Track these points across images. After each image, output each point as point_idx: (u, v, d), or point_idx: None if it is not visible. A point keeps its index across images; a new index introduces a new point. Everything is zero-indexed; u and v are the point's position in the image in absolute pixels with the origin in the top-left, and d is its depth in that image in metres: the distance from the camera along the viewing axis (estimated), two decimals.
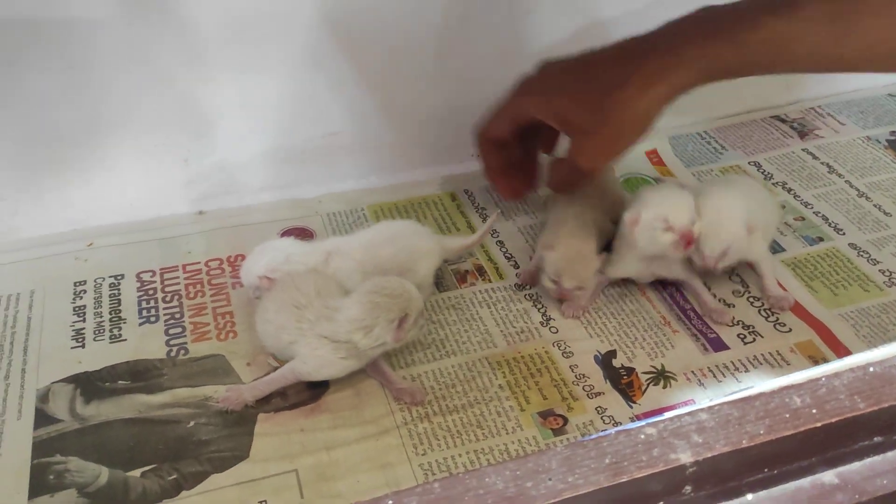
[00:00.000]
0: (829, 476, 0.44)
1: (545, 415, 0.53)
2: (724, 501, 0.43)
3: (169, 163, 0.69)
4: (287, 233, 0.69)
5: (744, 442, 0.41)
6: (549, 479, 0.39)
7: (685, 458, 0.41)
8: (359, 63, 0.70)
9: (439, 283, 0.64)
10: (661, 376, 0.56)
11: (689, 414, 0.43)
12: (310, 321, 0.52)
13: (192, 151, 0.69)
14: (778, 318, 0.61)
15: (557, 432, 0.52)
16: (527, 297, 0.63)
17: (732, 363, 0.57)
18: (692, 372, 0.56)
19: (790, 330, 0.60)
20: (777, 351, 0.58)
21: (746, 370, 0.57)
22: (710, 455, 0.41)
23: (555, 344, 0.59)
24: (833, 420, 0.43)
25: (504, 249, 0.68)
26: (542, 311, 0.62)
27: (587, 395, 0.55)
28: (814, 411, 0.43)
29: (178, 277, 0.65)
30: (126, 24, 0.61)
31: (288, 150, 0.73)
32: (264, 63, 0.67)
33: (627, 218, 0.59)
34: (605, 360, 0.58)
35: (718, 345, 0.59)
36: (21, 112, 0.63)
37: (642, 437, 0.41)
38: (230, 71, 0.66)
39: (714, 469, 0.41)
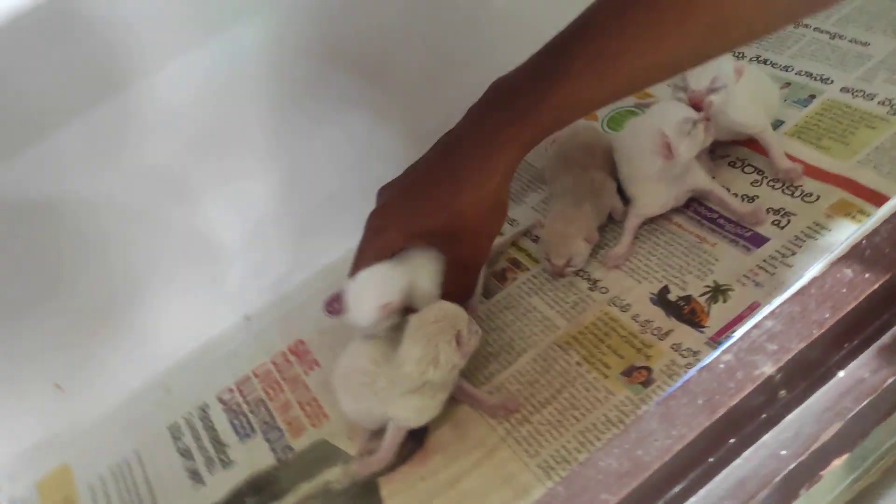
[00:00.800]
0: None
1: (628, 372, 0.56)
2: (819, 388, 0.45)
3: (201, 290, 0.73)
4: (332, 300, 0.73)
5: (814, 332, 0.44)
6: (656, 440, 0.42)
7: (768, 369, 0.43)
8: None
9: (485, 291, 0.67)
10: (718, 292, 0.58)
11: (755, 327, 0.45)
12: (384, 388, 0.55)
13: (215, 270, 0.73)
14: (803, 191, 0.62)
15: (646, 383, 0.55)
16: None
17: (778, 252, 0.59)
18: (744, 276, 0.58)
19: (818, 197, 0.61)
20: (814, 222, 0.59)
21: (793, 253, 0.58)
22: (789, 357, 0.43)
23: (610, 303, 0.61)
24: (888, 276, 0.45)
25: (528, 233, 0.71)
26: (586, 277, 0.64)
27: (658, 338, 0.57)
28: (867, 276, 0.45)
29: (253, 385, 0.69)
30: (126, 196, 0.66)
31: (300, 228, 0.76)
32: (241, 169, 0.71)
33: (660, 148, 0.60)
34: (662, 299, 0.60)
35: (758, 240, 0.60)
36: (55, 294, 0.67)
37: (722, 366, 0.44)
38: (213, 190, 0.70)
39: (798, 366, 0.44)
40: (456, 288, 0.60)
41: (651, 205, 0.64)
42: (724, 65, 0.62)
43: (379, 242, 0.59)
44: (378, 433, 0.58)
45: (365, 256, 0.59)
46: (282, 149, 0.73)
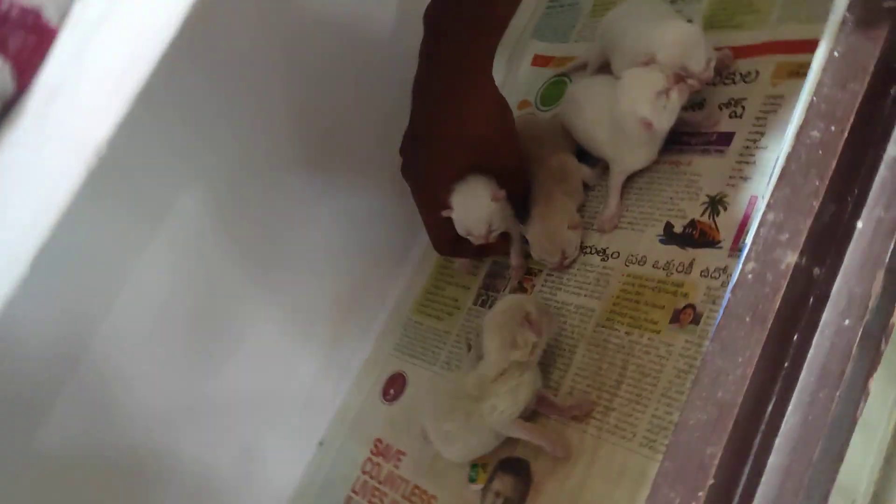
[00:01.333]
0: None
1: (675, 318, 0.56)
2: (846, 248, 0.46)
3: (264, 446, 0.74)
4: (386, 388, 0.74)
5: (814, 203, 0.44)
6: (728, 375, 0.42)
7: (791, 258, 0.43)
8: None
9: None
10: (715, 204, 0.58)
11: (760, 225, 0.46)
12: (473, 391, 0.58)
13: (264, 425, 0.74)
14: (741, 73, 0.63)
15: (696, 320, 0.55)
16: None
17: (748, 140, 0.59)
18: (730, 178, 0.59)
19: (757, 73, 0.62)
20: (766, 97, 0.60)
21: (762, 135, 0.59)
22: (803, 237, 0.44)
23: (626, 263, 0.62)
24: (853, 119, 0.45)
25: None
26: (595, 250, 0.65)
27: (684, 273, 0.57)
28: (833, 129, 0.46)
29: (359, 502, 0.70)
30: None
31: (323, 345, 0.77)
32: (247, 325, 0.72)
33: (644, 129, 0.59)
34: (670, 235, 0.60)
35: (725, 139, 0.61)
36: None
37: (750, 276, 0.44)
38: (233, 355, 0.71)
39: (816, 240, 0.44)
40: (513, 190, 0.64)
41: (639, 163, 0.64)
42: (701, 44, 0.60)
43: (430, 189, 0.64)
44: None
45: (427, 203, 0.65)
46: (269, 287, 0.73)
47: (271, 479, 0.74)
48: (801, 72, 0.59)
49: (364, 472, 0.71)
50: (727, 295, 0.45)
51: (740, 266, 0.45)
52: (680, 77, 0.58)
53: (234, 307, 0.70)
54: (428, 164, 0.64)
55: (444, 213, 0.63)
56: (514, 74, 0.82)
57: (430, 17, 0.63)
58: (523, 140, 0.68)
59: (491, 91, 0.62)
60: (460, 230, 0.64)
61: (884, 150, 0.48)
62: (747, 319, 0.43)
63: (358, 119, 0.71)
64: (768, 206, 0.45)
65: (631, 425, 0.54)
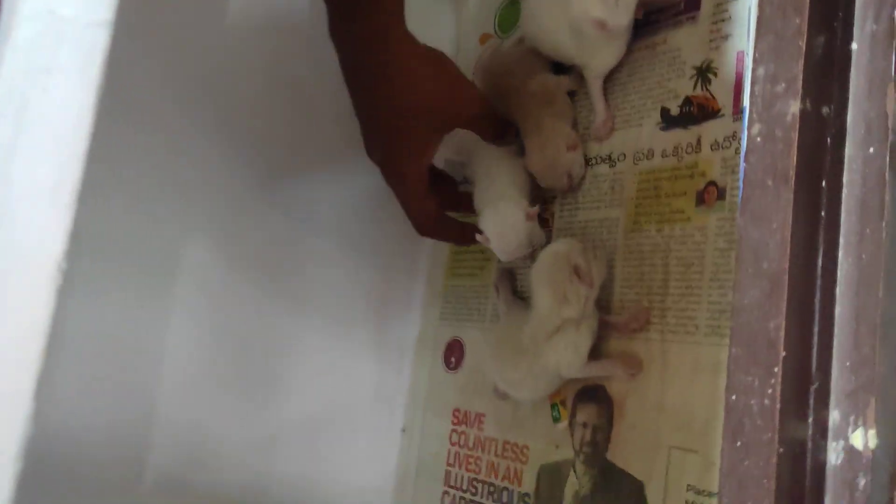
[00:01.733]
0: None
1: (700, 200, 0.55)
2: (849, 73, 0.43)
3: (352, 450, 0.75)
4: (447, 356, 0.74)
5: (800, 43, 0.42)
6: (767, 244, 0.41)
7: (794, 106, 0.41)
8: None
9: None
10: (703, 73, 0.56)
11: (753, 83, 0.44)
12: (531, 344, 0.57)
13: (345, 431, 0.75)
14: None
15: (721, 195, 0.53)
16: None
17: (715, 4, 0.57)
18: (710, 41, 0.56)
19: None
20: None
21: None
22: (800, 78, 0.41)
23: (635, 161, 0.60)
24: None
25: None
26: (599, 159, 0.63)
27: (695, 152, 0.56)
28: None
29: (456, 474, 0.71)
30: None
31: (372, 336, 0.78)
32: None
33: (596, 30, 0.57)
34: (669, 119, 0.58)
35: (694, 3, 0.58)
36: None
37: (759, 139, 0.43)
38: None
39: (814, 75, 0.42)
40: (493, 137, 0.63)
41: (609, 62, 0.61)
42: None
43: (396, 170, 0.62)
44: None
45: (399, 184, 0.63)
46: (299, 303, 0.73)
47: (370, 478, 0.76)
48: None
49: (453, 444, 0.72)
50: (742, 164, 0.44)
51: (745, 131, 0.43)
52: None
53: (274, 333, 0.70)
54: (387, 147, 0.61)
55: (480, 240, 0.62)
56: (465, 9, 0.80)
57: None
58: (495, 77, 0.66)
59: (412, 50, 0.58)
60: (503, 257, 0.63)
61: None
62: (770, 183, 0.41)
63: (342, 111, 0.69)
64: (755, 60, 0.43)
65: (691, 319, 0.53)
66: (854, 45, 0.43)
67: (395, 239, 0.79)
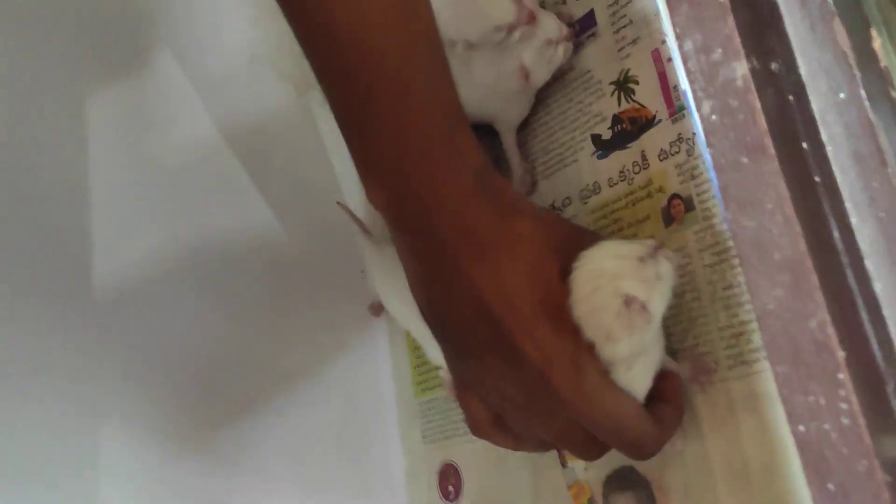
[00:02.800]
0: None
1: (667, 219, 0.47)
2: (780, 23, 0.38)
3: None
4: (442, 482, 0.63)
5: None
6: (770, 230, 0.33)
7: (741, 67, 0.35)
8: None
9: None
10: (623, 84, 0.51)
11: (685, 61, 0.38)
12: None
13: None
14: None
15: (689, 206, 0.46)
16: None
17: (610, 5, 0.52)
18: (619, 51, 0.51)
19: None
20: None
21: None
22: (736, 34, 0.36)
23: (583, 202, 0.53)
24: None
25: None
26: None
27: (643, 168, 0.49)
28: None
29: None
30: None
31: None
32: None
33: (518, 77, 0.52)
34: (602, 143, 0.52)
35: (589, 20, 0.53)
36: None
37: (714, 117, 0.36)
38: None
39: (751, 24, 0.36)
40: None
41: (523, 112, 0.56)
42: None
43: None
44: None
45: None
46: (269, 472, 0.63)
47: None
48: None
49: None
50: (704, 153, 0.37)
51: (696, 115, 0.37)
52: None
53: None
54: None
55: None
56: None
57: None
58: None
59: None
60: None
61: None
62: (745, 160, 0.34)
63: None
64: (678, 36, 0.37)
65: (707, 363, 0.45)
66: None
67: (350, 366, 0.69)
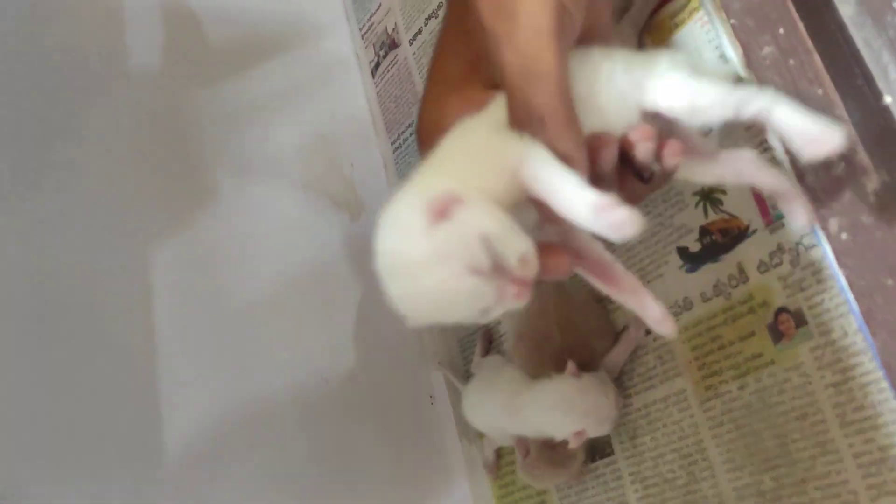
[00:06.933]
0: None
1: (776, 335, 0.45)
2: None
3: None
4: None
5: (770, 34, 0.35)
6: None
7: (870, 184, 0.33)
8: None
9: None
10: (708, 195, 0.49)
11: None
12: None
13: None
14: None
15: (799, 321, 0.43)
16: None
17: None
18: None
19: None
20: None
21: None
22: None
23: (677, 313, 0.50)
24: None
25: None
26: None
27: (740, 282, 0.47)
28: None
29: None
30: None
31: None
32: None
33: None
34: (691, 258, 0.50)
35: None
36: None
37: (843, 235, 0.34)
38: None
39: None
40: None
41: None
42: None
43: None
44: None
45: None
46: None
47: None
48: None
49: None
50: (837, 274, 0.35)
51: (821, 234, 0.35)
52: None
53: None
54: None
55: None
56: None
57: None
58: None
59: None
60: None
61: None
62: (890, 282, 0.32)
63: None
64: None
65: (842, 484, 0.41)
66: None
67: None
